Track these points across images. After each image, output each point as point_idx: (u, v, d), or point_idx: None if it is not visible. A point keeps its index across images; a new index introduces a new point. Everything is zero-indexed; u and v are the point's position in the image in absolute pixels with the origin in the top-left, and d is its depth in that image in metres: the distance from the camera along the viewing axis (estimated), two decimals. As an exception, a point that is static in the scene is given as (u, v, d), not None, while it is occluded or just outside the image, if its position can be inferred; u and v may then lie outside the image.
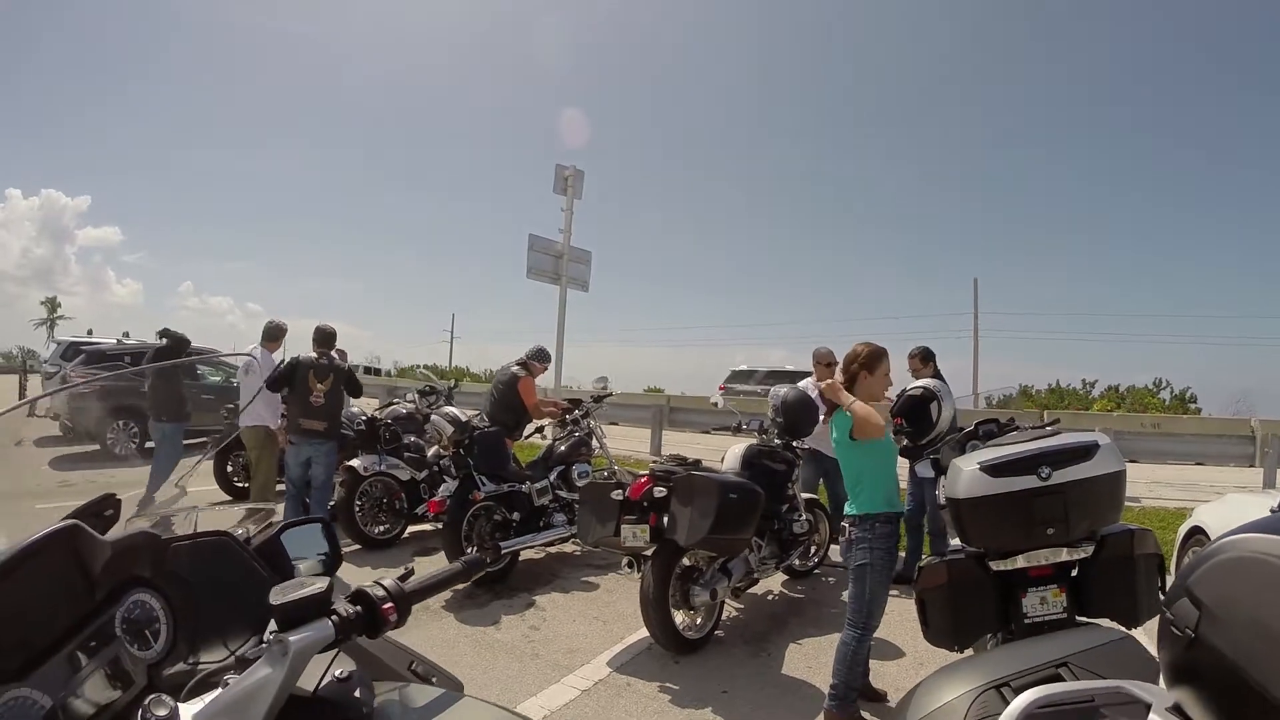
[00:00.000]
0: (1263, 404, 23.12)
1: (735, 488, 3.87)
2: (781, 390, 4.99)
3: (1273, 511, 3.63)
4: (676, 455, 4.39)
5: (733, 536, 3.85)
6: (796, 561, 5.04)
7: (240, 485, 7.14)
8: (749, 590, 4.62)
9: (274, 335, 5.89)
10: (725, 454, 4.87)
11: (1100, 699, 1.15)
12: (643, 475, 4.07)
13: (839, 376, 3.55)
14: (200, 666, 1.23)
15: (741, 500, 3.85)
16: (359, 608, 1.03)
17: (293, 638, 0.92)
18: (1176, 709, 1.04)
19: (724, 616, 4.31)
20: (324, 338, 5.58)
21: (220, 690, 0.94)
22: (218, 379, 10.85)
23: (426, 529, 6.34)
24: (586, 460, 6.15)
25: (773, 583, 5.13)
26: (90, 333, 15.54)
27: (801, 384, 5.52)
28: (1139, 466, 9.74)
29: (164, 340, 6.57)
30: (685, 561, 3.99)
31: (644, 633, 4.12)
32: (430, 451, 6.29)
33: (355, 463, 5.70)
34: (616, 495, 3.99)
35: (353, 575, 5.01)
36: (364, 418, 6.09)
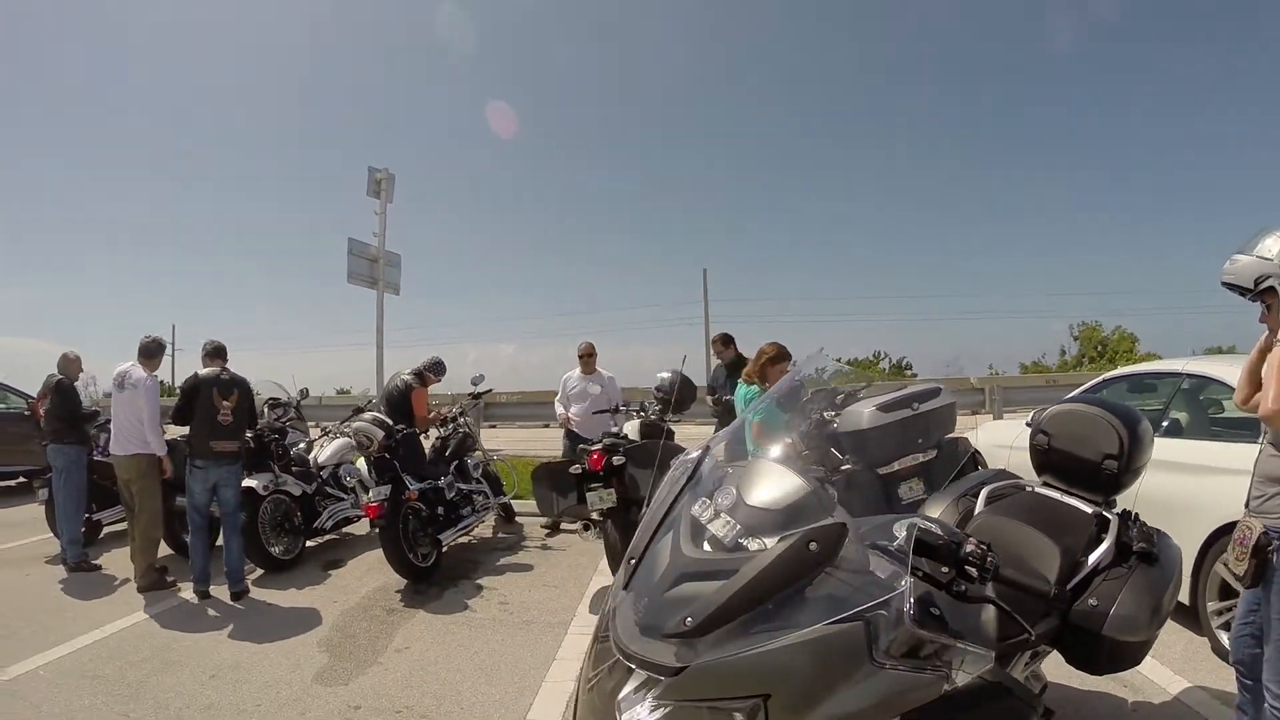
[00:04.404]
0: (968, 366, 29.46)
1: (674, 450, 5.18)
2: (664, 375, 6.50)
3: (1026, 425, 5.79)
4: (609, 433, 5.58)
5: (681, 488, 5.19)
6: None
7: (95, 519, 6.97)
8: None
9: (152, 352, 5.80)
10: (622, 427, 6.20)
11: (1010, 490, 2.76)
12: (594, 451, 5.18)
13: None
14: None
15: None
16: None
17: None
18: (1045, 484, 2.70)
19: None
20: (217, 350, 5.66)
21: None
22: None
23: (321, 543, 6.85)
24: (471, 453, 7.10)
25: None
26: None
27: (568, 375, 7.36)
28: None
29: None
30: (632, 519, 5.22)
31: (596, 586, 5.34)
32: (313, 454, 6.80)
33: (251, 483, 5.91)
34: (575, 470, 5.09)
35: (273, 597, 5.48)
36: (250, 435, 6.29)
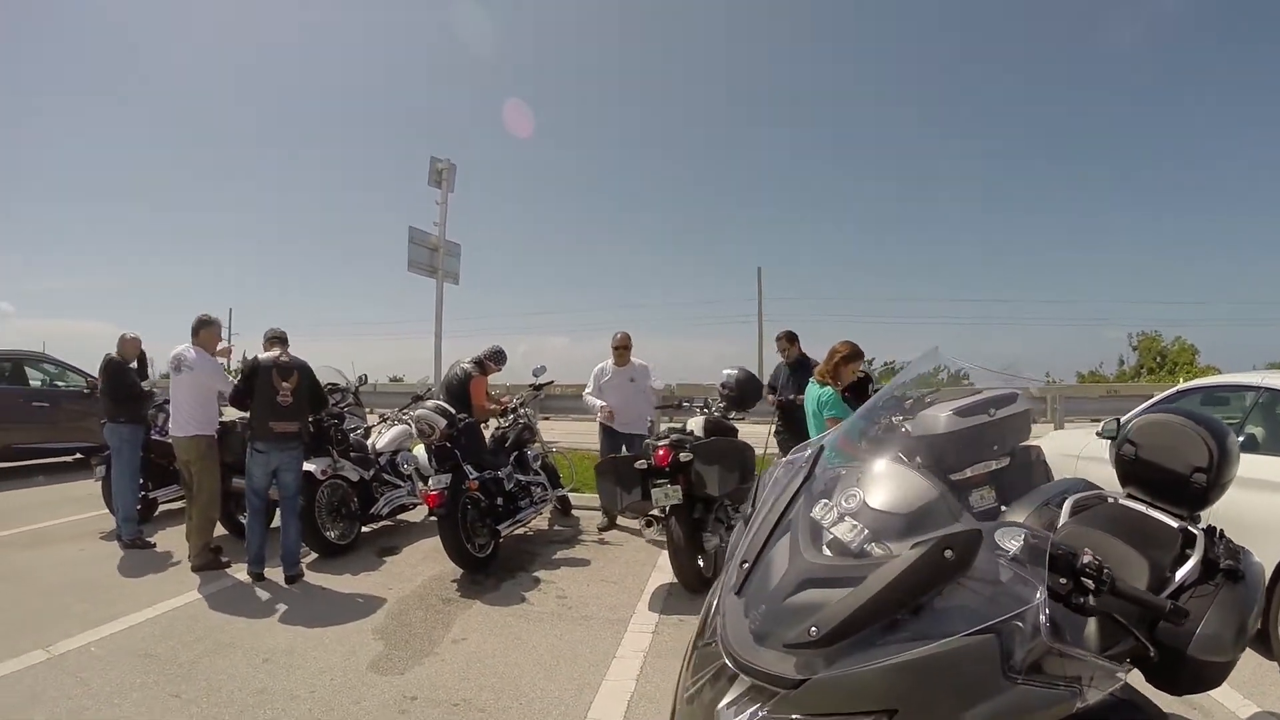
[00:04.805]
0: (1024, 373, 29.18)
1: (745, 446, 5.15)
2: (730, 372, 6.42)
3: (1098, 435, 5.60)
4: (673, 428, 5.55)
5: (748, 485, 5.15)
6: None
7: (151, 497, 7.13)
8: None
9: (197, 329, 5.84)
10: (687, 423, 6.15)
11: (1094, 500, 2.68)
12: (660, 446, 5.14)
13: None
14: None
15: (750, 455, 5.15)
16: None
17: None
18: (1129, 495, 2.62)
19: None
20: (278, 337, 5.78)
21: None
22: (38, 382, 10.51)
23: (376, 529, 6.93)
24: (530, 444, 7.10)
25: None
26: None
27: (601, 366, 7.27)
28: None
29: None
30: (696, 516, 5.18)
31: (655, 583, 5.31)
32: (371, 440, 6.87)
33: (310, 467, 5.95)
34: (640, 465, 5.05)
35: (328, 582, 5.52)
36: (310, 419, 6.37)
